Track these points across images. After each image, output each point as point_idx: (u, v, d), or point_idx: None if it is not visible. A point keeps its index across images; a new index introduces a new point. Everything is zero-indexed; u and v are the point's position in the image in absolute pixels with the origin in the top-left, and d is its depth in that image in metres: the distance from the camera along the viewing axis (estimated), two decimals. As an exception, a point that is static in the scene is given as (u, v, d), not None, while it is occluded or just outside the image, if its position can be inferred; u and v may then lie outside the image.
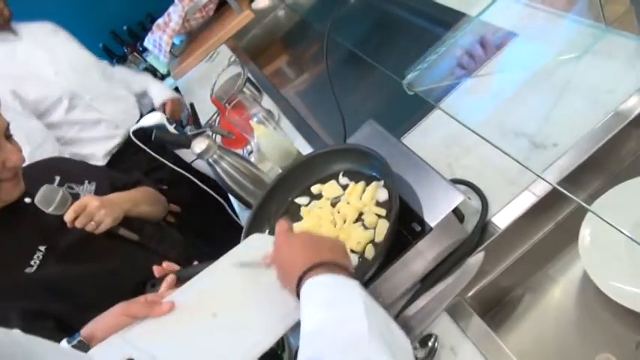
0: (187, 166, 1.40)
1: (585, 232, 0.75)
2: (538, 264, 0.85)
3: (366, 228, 0.84)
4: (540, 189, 0.83)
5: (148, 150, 1.22)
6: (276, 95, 1.61)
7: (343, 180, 0.95)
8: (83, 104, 1.60)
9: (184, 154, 1.48)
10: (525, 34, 1.07)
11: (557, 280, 0.84)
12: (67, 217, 0.99)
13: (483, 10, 1.05)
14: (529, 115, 0.95)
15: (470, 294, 0.84)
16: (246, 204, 1.17)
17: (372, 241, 0.82)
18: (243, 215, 1.33)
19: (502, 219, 0.85)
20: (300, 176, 1.01)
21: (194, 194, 1.30)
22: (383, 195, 0.87)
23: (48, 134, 1.53)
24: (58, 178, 1.10)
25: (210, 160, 1.08)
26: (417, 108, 1.09)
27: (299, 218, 0.95)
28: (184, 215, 1.43)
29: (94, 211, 1.01)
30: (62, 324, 0.94)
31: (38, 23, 1.66)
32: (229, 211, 1.32)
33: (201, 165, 1.46)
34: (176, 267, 0.88)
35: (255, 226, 0.99)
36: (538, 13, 1.09)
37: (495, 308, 0.84)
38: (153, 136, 1.04)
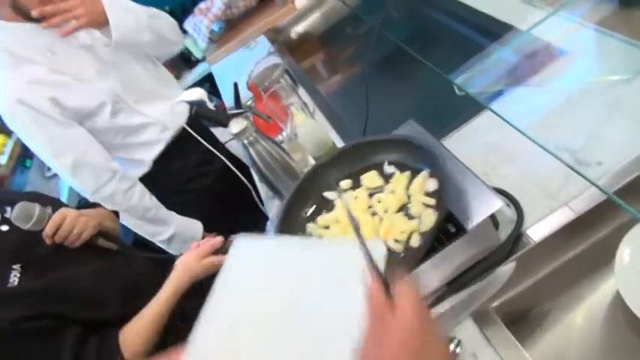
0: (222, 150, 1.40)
1: (624, 252, 0.74)
2: (569, 282, 0.84)
3: (410, 218, 0.83)
4: (580, 206, 0.82)
5: (203, 141, 1.19)
6: (312, 89, 1.61)
7: (389, 168, 0.94)
8: (128, 108, 1.44)
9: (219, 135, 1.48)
10: (577, 51, 1.06)
11: (586, 300, 0.82)
12: (48, 231, 0.97)
13: (536, 24, 1.05)
14: (574, 131, 0.94)
15: (497, 303, 0.83)
16: (275, 190, 1.17)
17: (417, 231, 0.81)
18: (268, 205, 1.34)
19: (537, 232, 0.84)
20: (339, 165, 1.01)
21: (227, 179, 1.30)
22: (432, 185, 0.86)
23: (92, 140, 1.39)
24: (9, 209, 1.02)
25: (246, 142, 1.08)
26: (457, 113, 1.08)
27: (332, 207, 0.96)
28: (213, 197, 1.44)
29: (74, 221, 1.00)
30: (62, 321, 0.93)
31: None
32: (255, 197, 1.32)
33: (234, 148, 1.48)
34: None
35: (292, 212, 0.98)
36: (591, 32, 1.08)
37: (521, 320, 0.83)
38: (193, 111, 1.05)
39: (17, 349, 0.88)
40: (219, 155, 1.31)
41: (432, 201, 0.83)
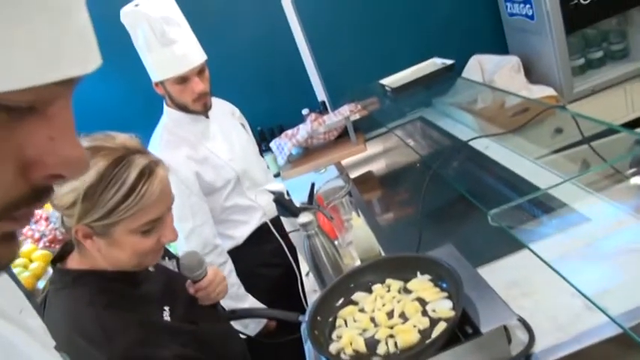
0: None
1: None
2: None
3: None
4: (586, 340, 0.94)
5: (278, 237, 1.41)
6: (368, 214, 1.85)
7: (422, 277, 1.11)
8: (240, 191, 1.72)
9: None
10: (598, 221, 1.25)
11: None
12: (203, 284, 1.14)
13: (563, 181, 1.26)
14: (589, 282, 1.08)
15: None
16: (322, 281, 1.34)
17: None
18: (310, 298, 1.49)
19: (545, 355, 0.95)
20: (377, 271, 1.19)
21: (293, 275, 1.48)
22: (447, 305, 1.02)
23: (209, 216, 1.66)
24: None
25: (308, 233, 1.30)
26: (492, 249, 1.26)
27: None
28: (274, 289, 1.62)
29: (221, 282, 1.19)
30: None
31: (221, 103, 1.84)
32: (300, 287, 1.49)
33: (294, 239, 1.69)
34: None
35: (327, 301, 1.15)
36: (612, 208, 1.28)
37: None
38: (273, 199, 1.30)
39: None
40: (286, 250, 1.53)
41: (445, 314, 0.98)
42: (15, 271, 1.84)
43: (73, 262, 1.00)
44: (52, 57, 0.33)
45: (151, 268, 1.10)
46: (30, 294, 1.90)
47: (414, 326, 0.98)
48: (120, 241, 0.93)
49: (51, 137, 0.36)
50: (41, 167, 0.36)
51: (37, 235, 2.27)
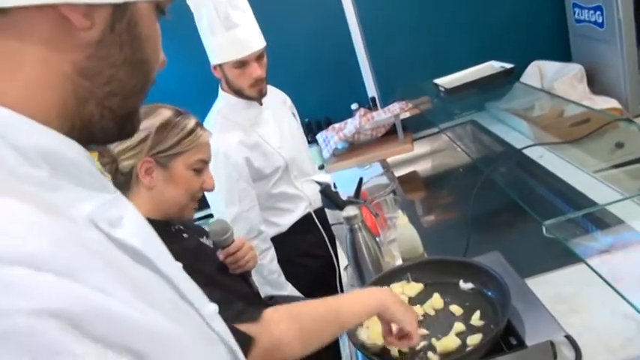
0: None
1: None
2: None
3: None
4: (638, 366, 0.89)
5: (320, 228, 1.39)
6: (410, 214, 1.82)
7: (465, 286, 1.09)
8: (288, 179, 1.73)
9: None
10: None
11: None
12: (232, 249, 1.17)
13: (625, 198, 1.20)
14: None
15: None
16: (361, 276, 1.33)
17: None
18: (347, 292, 1.49)
19: (593, 377, 0.91)
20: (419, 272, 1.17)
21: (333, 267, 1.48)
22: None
23: (256, 201, 1.66)
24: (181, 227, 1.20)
25: (352, 227, 1.29)
26: (542, 261, 1.22)
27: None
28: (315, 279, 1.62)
29: (248, 250, 1.21)
30: None
31: (274, 90, 1.83)
32: (337, 281, 1.49)
33: (337, 232, 1.69)
34: None
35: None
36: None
37: None
38: (319, 190, 1.30)
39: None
40: (327, 242, 1.53)
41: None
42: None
43: None
44: None
45: (185, 235, 1.17)
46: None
47: (455, 332, 0.96)
48: (177, 176, 1.08)
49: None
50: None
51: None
